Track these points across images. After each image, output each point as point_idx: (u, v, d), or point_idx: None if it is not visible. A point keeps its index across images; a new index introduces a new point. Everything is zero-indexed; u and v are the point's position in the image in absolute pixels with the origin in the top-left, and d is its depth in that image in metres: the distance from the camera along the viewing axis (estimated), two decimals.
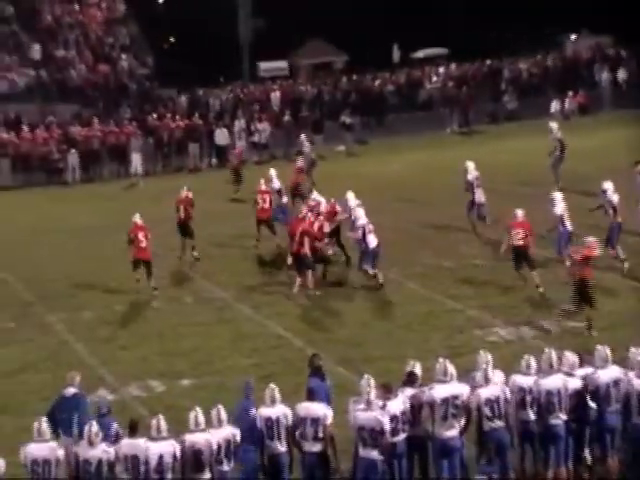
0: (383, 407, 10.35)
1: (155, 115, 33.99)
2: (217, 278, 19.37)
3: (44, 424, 9.92)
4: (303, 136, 29.47)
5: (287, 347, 15.60)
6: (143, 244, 18.08)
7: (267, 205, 20.97)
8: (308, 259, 17.86)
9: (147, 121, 33.56)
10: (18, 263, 21.06)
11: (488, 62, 42.35)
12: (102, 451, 9.84)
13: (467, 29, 46.68)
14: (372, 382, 10.45)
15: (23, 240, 23.04)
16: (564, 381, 10.69)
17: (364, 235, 17.82)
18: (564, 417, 10.67)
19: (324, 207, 19.39)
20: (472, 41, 43.55)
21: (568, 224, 18.19)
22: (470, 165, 21.66)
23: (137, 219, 18.51)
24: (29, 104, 34.64)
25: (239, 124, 33.84)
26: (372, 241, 17.80)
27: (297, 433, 10.41)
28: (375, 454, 10.20)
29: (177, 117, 33.75)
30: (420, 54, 48.92)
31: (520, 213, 17.40)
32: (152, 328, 16.78)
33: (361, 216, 18.06)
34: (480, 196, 21.25)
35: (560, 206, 18.27)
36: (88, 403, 11.27)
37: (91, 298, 18.50)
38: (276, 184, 21.93)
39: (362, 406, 10.30)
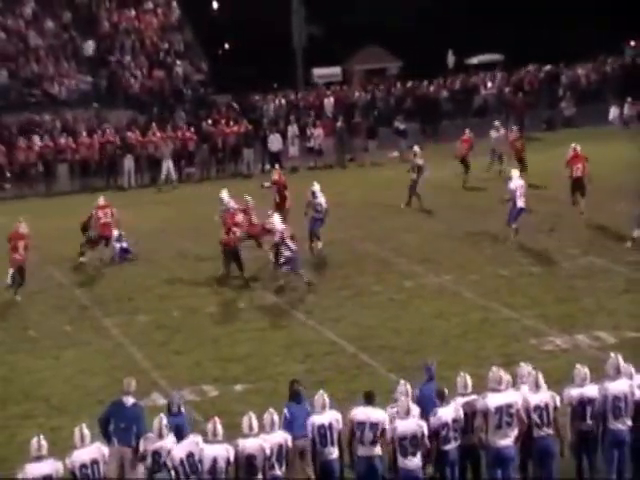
0: (434, 414, 10.31)
1: (210, 121, 34.22)
2: (270, 284, 19.38)
3: (85, 429, 9.98)
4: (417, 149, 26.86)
5: (340, 353, 15.55)
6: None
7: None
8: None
9: (201, 127, 33.81)
10: (76, 267, 21.29)
11: (546, 67, 41.88)
12: (172, 442, 9.97)
13: (522, 34, 46.22)
14: (409, 388, 10.41)
15: (74, 244, 23.26)
16: (630, 386, 10.54)
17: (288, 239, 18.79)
18: (629, 423, 10.52)
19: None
20: (528, 46, 43.10)
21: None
22: (515, 173, 21.68)
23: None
24: (86, 110, 35.08)
25: (292, 130, 33.93)
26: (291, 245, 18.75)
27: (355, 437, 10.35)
28: (416, 462, 10.13)
29: (231, 123, 33.94)
30: (475, 60, 48.63)
31: (578, 147, 22.38)
32: (206, 333, 16.84)
33: (278, 222, 19.23)
34: (522, 203, 21.13)
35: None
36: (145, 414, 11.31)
37: (146, 302, 18.65)
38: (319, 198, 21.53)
39: (400, 414, 10.23)
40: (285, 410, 10.62)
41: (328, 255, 20.97)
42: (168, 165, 31.41)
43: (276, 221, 19.22)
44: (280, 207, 22.13)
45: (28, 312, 18.11)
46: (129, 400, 11.00)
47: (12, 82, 35.29)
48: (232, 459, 9.89)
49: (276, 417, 10.25)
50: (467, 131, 28.83)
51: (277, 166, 24.11)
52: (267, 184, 23.33)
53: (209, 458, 9.83)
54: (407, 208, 25.08)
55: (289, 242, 18.70)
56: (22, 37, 37.04)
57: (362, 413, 10.43)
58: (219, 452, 9.86)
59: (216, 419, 10.11)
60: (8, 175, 31.30)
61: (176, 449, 9.94)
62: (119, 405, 10.95)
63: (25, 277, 19.08)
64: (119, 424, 10.70)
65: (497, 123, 30.36)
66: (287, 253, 18.60)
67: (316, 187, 21.20)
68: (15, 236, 19.14)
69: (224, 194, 21.26)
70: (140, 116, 35.13)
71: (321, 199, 21.00)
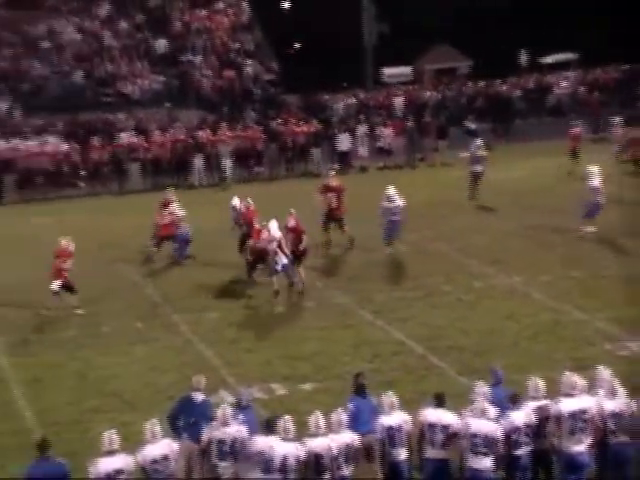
0: (506, 417, 10.17)
1: (279, 120, 34.35)
2: (339, 283, 19.39)
3: (157, 426, 10.09)
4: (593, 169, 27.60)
5: (408, 354, 15.47)
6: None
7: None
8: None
9: (271, 126, 33.96)
10: (145, 263, 21.54)
11: (625, 67, 41.09)
12: (236, 430, 10.07)
13: (598, 33, 45.43)
14: (486, 390, 10.28)
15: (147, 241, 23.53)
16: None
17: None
18: None
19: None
20: (604, 45, 42.34)
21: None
22: (594, 170, 21.28)
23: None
24: (158, 109, 35.51)
25: (362, 129, 33.87)
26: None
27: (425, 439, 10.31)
28: (486, 463, 9.99)
29: (301, 122, 34.02)
30: (549, 59, 47.96)
31: None
32: (275, 331, 16.89)
33: (275, 230, 18.63)
34: (601, 199, 20.95)
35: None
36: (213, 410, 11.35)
37: (215, 300, 18.77)
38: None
39: (475, 413, 10.11)
40: (350, 404, 10.60)
41: (398, 255, 20.88)
42: (227, 163, 31.63)
43: (273, 228, 18.63)
44: (335, 213, 21.72)
45: (101, 309, 18.35)
46: (198, 396, 11.10)
47: (87, 82, 35.91)
48: (303, 457, 9.91)
49: (344, 417, 10.25)
50: (575, 124, 29.33)
51: (332, 172, 23.38)
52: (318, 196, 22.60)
53: (279, 456, 9.87)
54: (472, 203, 24.92)
55: (285, 249, 18.42)
56: (97, 38, 37.68)
57: (433, 415, 10.37)
58: (290, 450, 9.90)
59: (287, 417, 10.14)
60: (82, 173, 31.86)
61: (255, 440, 10.00)
62: (189, 401, 11.06)
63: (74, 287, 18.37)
64: (188, 420, 10.82)
65: (574, 122, 30.06)
66: (284, 261, 18.35)
67: (391, 190, 20.71)
68: (61, 253, 18.20)
69: (235, 201, 21.03)
70: (210, 115, 35.43)
71: (397, 202, 20.59)
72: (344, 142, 33.19)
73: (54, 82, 35.49)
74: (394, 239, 20.87)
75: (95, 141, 32.06)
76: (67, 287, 18.16)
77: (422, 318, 17.05)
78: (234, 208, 20.97)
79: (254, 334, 16.82)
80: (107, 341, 16.74)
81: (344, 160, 33.00)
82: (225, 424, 10.17)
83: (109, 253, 22.38)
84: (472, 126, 33.91)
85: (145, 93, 36.39)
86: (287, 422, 10.06)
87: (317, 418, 10.14)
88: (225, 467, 10.14)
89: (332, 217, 21.85)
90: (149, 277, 20.60)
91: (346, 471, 10.11)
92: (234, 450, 10.10)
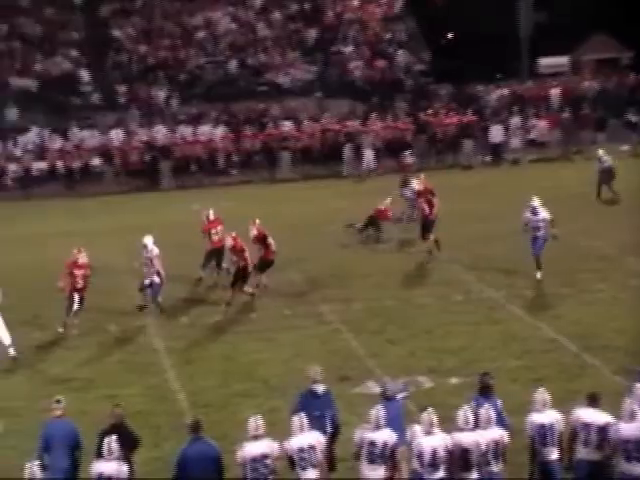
0: None
1: (430, 111, 34.02)
2: (487, 278, 19.00)
3: (260, 420, 10.02)
4: (601, 151, 26.12)
5: (560, 351, 15.03)
6: None
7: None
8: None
9: (420, 117, 33.67)
10: (293, 254, 21.66)
11: None
12: (388, 435, 9.96)
13: None
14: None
15: (298, 231, 23.73)
16: None
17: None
18: None
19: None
20: None
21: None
22: None
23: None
24: (309, 98, 35.78)
25: (515, 121, 33.16)
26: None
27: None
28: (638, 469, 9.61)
29: (451, 113, 33.58)
30: None
31: None
32: (420, 324, 16.70)
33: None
34: None
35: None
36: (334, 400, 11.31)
37: (362, 290, 18.72)
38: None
39: (625, 417, 9.72)
40: (473, 403, 10.35)
41: (550, 250, 20.26)
42: (369, 154, 31.51)
43: (150, 243, 17.70)
44: (428, 218, 20.62)
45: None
46: (319, 388, 11.04)
47: (241, 71, 36.50)
48: (450, 447, 9.78)
49: (492, 413, 10.02)
50: None
51: (422, 175, 22.16)
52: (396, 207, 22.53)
53: (429, 450, 9.75)
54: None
55: (159, 268, 17.51)
56: (251, 28, 38.24)
57: (588, 415, 10.02)
58: (438, 443, 9.79)
59: (430, 409, 10.00)
60: (235, 160, 32.46)
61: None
62: (310, 394, 11.01)
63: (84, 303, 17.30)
64: (313, 412, 10.70)
65: None
66: (156, 280, 17.51)
67: (536, 202, 18.66)
68: (72, 266, 17.02)
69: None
70: (360, 105, 35.42)
71: (542, 214, 18.55)
72: (497, 134, 32.60)
73: (209, 71, 36.25)
74: (539, 257, 18.59)
75: (247, 130, 32.61)
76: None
77: (574, 315, 16.53)
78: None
79: (398, 326, 16.68)
80: (256, 327, 16.97)
81: (496, 152, 32.40)
82: (378, 427, 10.02)
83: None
84: (634, 119, 32.68)
85: (296, 82, 36.69)
86: (431, 415, 9.92)
87: (465, 413, 9.96)
88: (371, 471, 9.99)
89: (425, 223, 20.64)
90: (297, 265, 20.65)
91: (495, 468, 9.90)
92: (384, 454, 9.95)
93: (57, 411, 10.69)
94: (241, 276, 17.82)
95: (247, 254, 17.96)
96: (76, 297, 16.94)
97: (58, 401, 10.74)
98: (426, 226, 20.63)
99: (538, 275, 18.45)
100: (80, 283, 16.89)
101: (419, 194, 21.18)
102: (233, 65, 36.40)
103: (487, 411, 10.03)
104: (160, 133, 32.50)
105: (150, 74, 35.55)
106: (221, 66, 36.44)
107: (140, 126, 33.22)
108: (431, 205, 20.62)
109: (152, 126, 33.00)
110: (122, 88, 34.96)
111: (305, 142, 32.49)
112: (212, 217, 19.73)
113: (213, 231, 19.52)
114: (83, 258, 17.17)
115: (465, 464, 9.80)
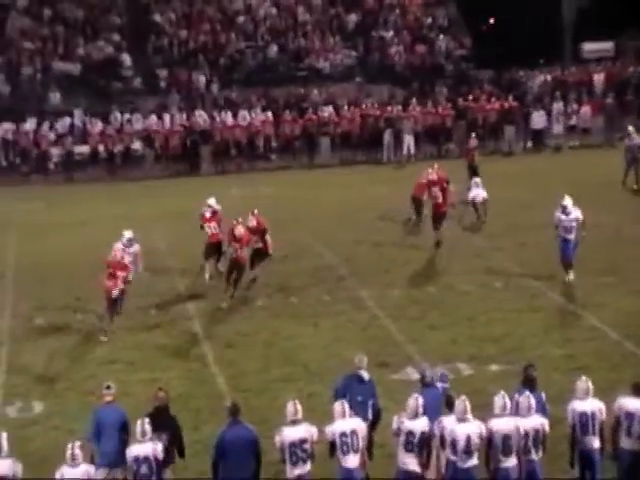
0: None
1: (471, 97, 33.80)
2: (529, 265, 18.84)
3: (298, 405, 10.06)
4: (631, 128, 26.28)
5: (602, 340, 14.92)
6: None
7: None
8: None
9: (461, 102, 33.44)
10: (333, 239, 21.70)
11: None
12: (423, 425, 9.95)
13: None
14: None
15: (337, 217, 23.75)
16: None
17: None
18: None
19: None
20: None
21: None
22: None
23: None
24: (349, 83, 35.68)
25: (557, 107, 32.84)
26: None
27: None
28: None
29: (493, 99, 33.32)
30: None
31: None
32: (462, 311, 16.64)
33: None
34: None
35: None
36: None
37: (402, 277, 18.70)
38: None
39: None
40: (516, 395, 10.24)
41: (590, 237, 20.07)
42: (409, 140, 31.37)
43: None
44: (440, 209, 20.28)
45: (291, 281, 18.63)
46: (364, 374, 11.07)
47: (281, 56, 36.49)
48: (485, 434, 9.76)
49: (533, 401, 9.97)
50: None
51: (436, 166, 21.64)
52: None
53: (463, 437, 9.73)
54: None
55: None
56: (291, 12, 38.19)
57: (631, 404, 9.96)
58: (472, 429, 9.76)
59: (464, 397, 9.97)
60: (274, 146, 32.50)
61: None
62: (356, 379, 11.03)
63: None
64: (356, 397, 10.75)
65: None
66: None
67: (567, 201, 17.46)
68: (115, 265, 16.21)
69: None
70: (400, 90, 35.27)
71: (574, 214, 17.33)
72: (538, 120, 32.32)
73: (249, 56, 36.28)
74: (570, 262, 17.60)
75: (287, 115, 32.62)
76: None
77: (617, 304, 16.38)
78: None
79: (439, 312, 16.64)
80: (295, 312, 17.00)
81: (538, 138, 32.14)
82: (416, 416, 9.99)
83: (296, 225, 22.71)
84: None
85: (336, 68, 36.61)
86: (465, 402, 9.89)
87: (504, 398, 9.92)
88: (410, 459, 9.98)
89: (436, 214, 20.28)
90: (336, 251, 20.65)
91: (535, 456, 9.86)
92: (421, 444, 9.93)
93: (108, 397, 10.72)
94: (235, 266, 17.35)
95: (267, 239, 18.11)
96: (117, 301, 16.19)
97: (108, 387, 10.76)
98: (437, 218, 20.19)
99: (571, 276, 17.49)
100: (121, 286, 16.03)
101: (432, 184, 20.69)
102: (273, 50, 36.38)
103: (527, 398, 9.98)
104: (201, 118, 32.61)
105: (191, 59, 35.66)
106: (261, 51, 36.44)
107: (180, 110, 33.35)
108: (445, 196, 20.34)
109: (192, 111, 33.12)
110: (163, 72, 35.09)
111: (345, 127, 32.42)
112: (208, 214, 18.71)
113: (207, 225, 18.62)
114: (127, 257, 16.45)
115: (504, 450, 9.73)
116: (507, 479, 9.75)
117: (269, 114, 32.73)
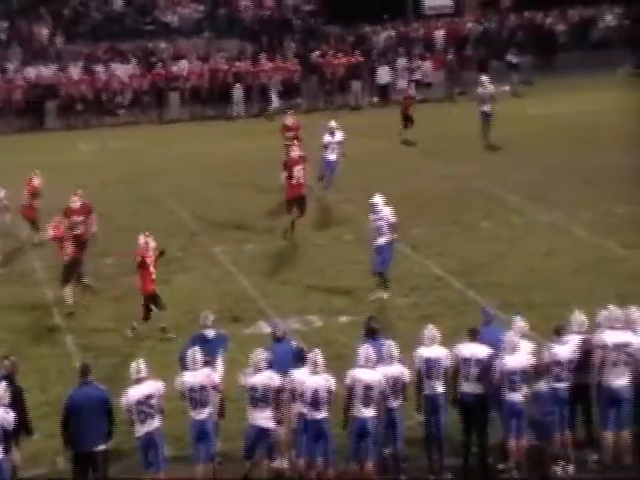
0: (549, 349, 10.25)
1: (318, 52, 33.97)
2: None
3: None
4: (484, 77, 26.43)
5: (446, 288, 15.49)
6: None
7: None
8: None
9: (310, 58, 33.58)
10: (186, 195, 21.56)
11: None
12: (268, 377, 10.06)
13: None
14: (521, 325, 10.55)
15: (189, 172, 23.59)
16: None
17: None
18: None
19: None
20: None
21: None
22: None
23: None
24: (198, 38, 35.27)
25: (402, 62, 33.45)
26: None
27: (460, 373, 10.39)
28: (519, 397, 10.17)
29: (340, 54, 33.60)
30: None
31: None
32: (313, 265, 16.93)
33: None
34: None
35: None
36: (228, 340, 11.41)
37: (255, 232, 18.79)
38: (338, 136, 20.75)
39: (507, 350, 10.26)
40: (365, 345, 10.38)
41: (437, 190, 20.74)
42: (273, 95, 31.46)
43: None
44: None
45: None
46: (210, 332, 11.14)
47: (127, 9, 35.65)
48: (333, 388, 9.96)
49: (395, 350, 10.25)
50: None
51: (290, 112, 21.89)
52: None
53: (311, 390, 9.92)
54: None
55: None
56: None
57: (467, 349, 10.42)
58: (320, 383, 9.94)
59: (317, 350, 10.16)
60: (122, 101, 31.82)
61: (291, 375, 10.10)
62: (201, 339, 11.01)
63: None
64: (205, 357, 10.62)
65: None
66: None
67: (377, 198, 15.31)
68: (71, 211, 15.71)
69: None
70: (250, 45, 35.11)
71: (383, 212, 15.16)
72: (384, 75, 32.82)
73: (93, 8, 35.29)
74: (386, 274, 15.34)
75: (135, 69, 31.95)
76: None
77: (460, 253, 17.00)
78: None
79: (291, 267, 16.90)
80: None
81: (384, 93, 32.67)
82: (258, 370, 10.10)
83: (148, 180, 22.46)
84: (514, 59, 33.37)
85: (185, 22, 36.08)
86: (317, 355, 10.06)
87: (367, 351, 10.08)
88: (257, 414, 10.09)
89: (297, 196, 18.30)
90: (188, 208, 20.55)
91: (394, 404, 10.19)
92: (266, 397, 10.05)
93: None
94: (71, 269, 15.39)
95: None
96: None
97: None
98: (298, 200, 18.24)
99: (385, 295, 15.13)
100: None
101: (287, 129, 21.22)
102: (118, 3, 35.50)
103: (389, 348, 10.24)
104: (45, 72, 31.51)
105: (31, 10, 34.35)
106: (105, 3, 35.48)
107: (23, 64, 32.15)
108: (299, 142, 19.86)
109: (35, 64, 31.96)
110: (3, 24, 33.72)
111: (194, 82, 32.06)
112: (76, 205, 16.04)
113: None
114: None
115: (365, 400, 9.93)
116: (363, 429, 9.99)
117: (116, 67, 31.95)
